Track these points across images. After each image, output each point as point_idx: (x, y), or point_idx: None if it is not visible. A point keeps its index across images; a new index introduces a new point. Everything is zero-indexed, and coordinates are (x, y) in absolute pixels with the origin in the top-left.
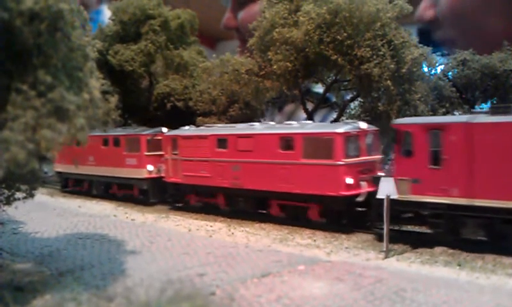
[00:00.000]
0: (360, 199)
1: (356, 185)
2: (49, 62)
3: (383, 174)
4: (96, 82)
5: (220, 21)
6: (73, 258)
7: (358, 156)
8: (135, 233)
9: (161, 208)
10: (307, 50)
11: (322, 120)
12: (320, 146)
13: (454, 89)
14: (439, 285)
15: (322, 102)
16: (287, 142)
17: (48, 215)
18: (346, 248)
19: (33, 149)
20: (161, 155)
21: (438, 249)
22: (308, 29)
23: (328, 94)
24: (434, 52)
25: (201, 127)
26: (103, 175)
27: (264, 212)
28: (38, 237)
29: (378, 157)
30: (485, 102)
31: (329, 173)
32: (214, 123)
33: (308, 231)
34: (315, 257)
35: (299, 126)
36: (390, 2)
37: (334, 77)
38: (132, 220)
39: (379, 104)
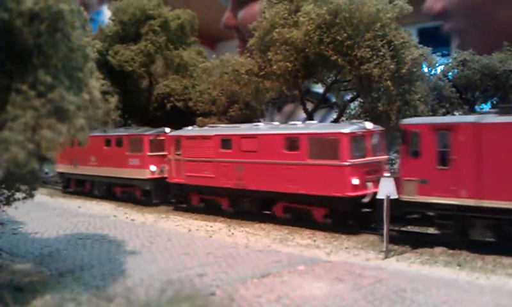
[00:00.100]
0: (366, 200)
1: (362, 186)
2: (49, 62)
3: (389, 174)
4: (96, 83)
5: (220, 21)
6: (73, 259)
7: (364, 156)
8: (135, 233)
9: (161, 209)
10: (307, 50)
11: (322, 120)
12: (325, 146)
13: (454, 89)
14: (439, 285)
15: (322, 102)
16: (292, 142)
17: (48, 216)
18: (346, 248)
19: (33, 150)
20: (164, 156)
21: (437, 250)
22: (308, 30)
23: (327, 94)
24: (434, 53)
25: (205, 127)
26: (105, 176)
27: (269, 213)
28: (37, 237)
29: (384, 157)
30: (485, 102)
31: (335, 174)
32: (214, 123)
33: (308, 232)
34: (315, 257)
35: (304, 126)
36: (390, 3)
37: (334, 78)
38: (132, 220)
39: (379, 104)
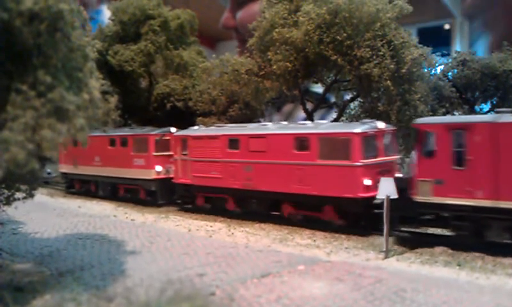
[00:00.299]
0: (378, 201)
1: (375, 187)
2: (49, 62)
3: (401, 175)
4: (96, 83)
5: (219, 21)
6: (73, 258)
7: (375, 156)
8: (135, 233)
9: (161, 209)
10: (307, 50)
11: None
12: (336, 146)
13: (454, 89)
14: (439, 285)
15: (322, 102)
16: (301, 142)
17: (48, 216)
18: (346, 248)
19: (33, 150)
20: (170, 156)
21: (437, 249)
22: (308, 29)
23: (326, 94)
24: (434, 52)
25: (212, 127)
26: (109, 176)
27: (278, 213)
28: (37, 237)
29: (396, 157)
30: (485, 102)
31: (346, 174)
32: (214, 123)
33: (307, 231)
34: (315, 257)
35: (314, 126)
36: (390, 2)
37: (334, 77)
38: (132, 220)
39: (379, 104)
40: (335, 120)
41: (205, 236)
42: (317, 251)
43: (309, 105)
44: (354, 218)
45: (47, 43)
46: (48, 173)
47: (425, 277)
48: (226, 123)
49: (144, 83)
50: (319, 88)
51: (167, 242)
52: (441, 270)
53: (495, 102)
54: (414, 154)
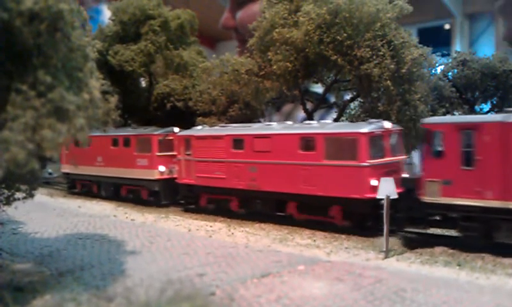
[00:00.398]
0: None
1: None
2: (49, 62)
3: (408, 175)
4: (96, 83)
5: (219, 21)
6: (73, 258)
7: (382, 157)
8: (135, 233)
9: (161, 209)
10: (307, 50)
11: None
12: (343, 146)
13: (454, 89)
14: (439, 285)
15: (322, 102)
16: (307, 142)
17: (48, 216)
18: (346, 248)
19: (33, 150)
20: (173, 156)
21: (437, 249)
22: (308, 30)
23: (326, 94)
24: (434, 52)
25: (216, 127)
26: (112, 176)
27: (283, 214)
28: (37, 237)
29: (403, 157)
30: (485, 102)
31: (353, 175)
32: (214, 123)
33: (307, 231)
34: (315, 257)
35: (320, 126)
36: (390, 2)
37: (334, 77)
38: (132, 220)
39: (379, 104)
40: (335, 120)
41: (205, 236)
42: (317, 251)
43: (309, 105)
44: (360, 219)
45: (47, 43)
46: (50, 174)
47: (425, 277)
48: (226, 123)
49: (144, 83)
50: (319, 88)
51: (167, 242)
52: (441, 270)
53: (495, 102)
54: (414, 154)
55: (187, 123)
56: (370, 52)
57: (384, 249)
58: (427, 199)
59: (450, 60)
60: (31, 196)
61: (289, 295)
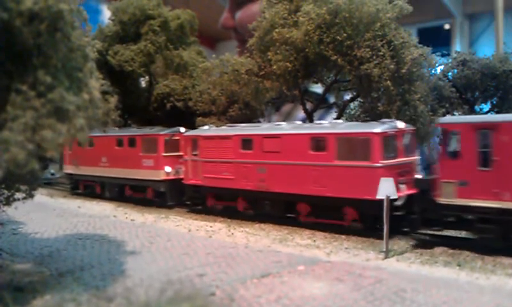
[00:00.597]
0: (398, 202)
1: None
2: (49, 62)
3: (421, 176)
4: (96, 83)
5: (219, 21)
6: (73, 259)
7: (395, 157)
8: (135, 233)
9: (161, 209)
10: (307, 50)
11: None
12: (355, 146)
13: (453, 89)
14: (439, 285)
15: (322, 102)
16: (318, 142)
17: (48, 216)
18: (346, 248)
19: (33, 150)
20: (179, 156)
21: (437, 250)
22: (308, 30)
23: (326, 94)
24: (434, 52)
25: (223, 127)
26: (117, 177)
27: (293, 216)
28: (37, 238)
29: (416, 157)
30: (485, 102)
31: (365, 175)
32: (214, 123)
33: (307, 232)
34: (315, 257)
35: (331, 125)
36: (390, 3)
37: (334, 77)
38: (132, 220)
39: (379, 104)
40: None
41: (205, 237)
42: (317, 251)
43: (309, 105)
44: (372, 220)
45: (47, 43)
46: (52, 174)
47: (425, 278)
48: (226, 123)
49: (144, 83)
50: (318, 88)
51: (167, 242)
52: (441, 270)
53: (495, 102)
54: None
55: (187, 123)
56: (370, 52)
57: (384, 249)
58: (442, 200)
59: (450, 60)
60: (31, 196)
61: (289, 295)
